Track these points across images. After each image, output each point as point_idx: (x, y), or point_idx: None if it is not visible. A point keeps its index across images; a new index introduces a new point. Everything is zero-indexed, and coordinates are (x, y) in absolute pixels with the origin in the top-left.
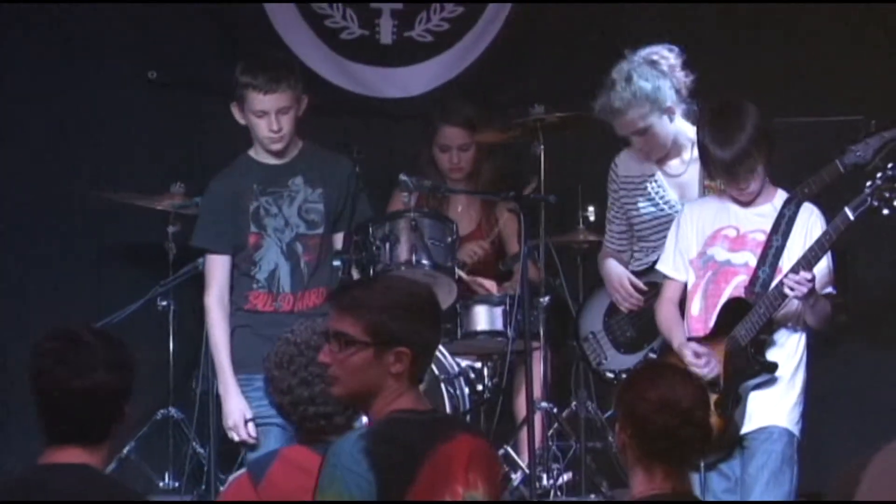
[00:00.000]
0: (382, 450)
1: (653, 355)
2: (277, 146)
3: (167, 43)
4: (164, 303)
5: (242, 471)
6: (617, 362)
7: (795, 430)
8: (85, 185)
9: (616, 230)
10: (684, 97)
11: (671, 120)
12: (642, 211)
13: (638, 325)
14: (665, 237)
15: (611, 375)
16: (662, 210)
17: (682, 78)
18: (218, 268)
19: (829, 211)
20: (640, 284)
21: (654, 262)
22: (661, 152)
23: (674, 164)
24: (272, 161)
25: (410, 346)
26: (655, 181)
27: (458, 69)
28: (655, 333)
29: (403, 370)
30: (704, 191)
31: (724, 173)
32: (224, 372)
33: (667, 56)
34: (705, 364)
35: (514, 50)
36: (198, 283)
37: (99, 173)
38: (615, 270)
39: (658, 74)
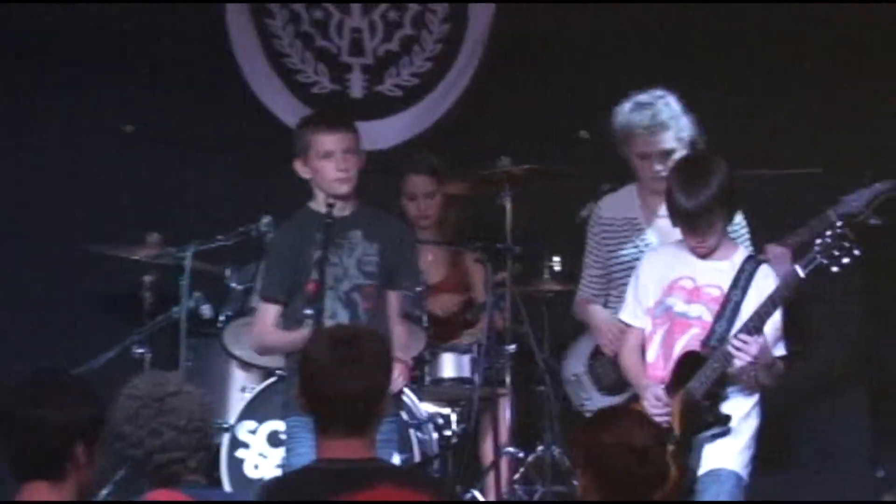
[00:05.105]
0: (275, 498)
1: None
2: (345, 188)
3: (143, 96)
4: (140, 350)
5: None
6: (600, 403)
7: (744, 473)
8: (62, 235)
9: (594, 274)
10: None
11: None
12: (621, 253)
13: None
14: None
15: None
16: (642, 252)
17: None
18: (271, 315)
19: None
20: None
21: None
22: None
23: (662, 206)
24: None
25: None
26: (637, 225)
27: (427, 123)
28: None
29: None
30: None
31: (683, 223)
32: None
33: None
34: (663, 411)
35: (481, 104)
36: (172, 331)
37: (75, 224)
38: (602, 315)
39: (682, 108)
